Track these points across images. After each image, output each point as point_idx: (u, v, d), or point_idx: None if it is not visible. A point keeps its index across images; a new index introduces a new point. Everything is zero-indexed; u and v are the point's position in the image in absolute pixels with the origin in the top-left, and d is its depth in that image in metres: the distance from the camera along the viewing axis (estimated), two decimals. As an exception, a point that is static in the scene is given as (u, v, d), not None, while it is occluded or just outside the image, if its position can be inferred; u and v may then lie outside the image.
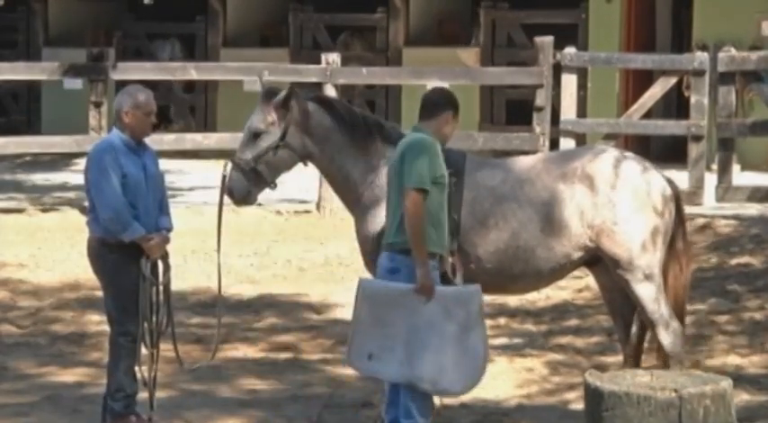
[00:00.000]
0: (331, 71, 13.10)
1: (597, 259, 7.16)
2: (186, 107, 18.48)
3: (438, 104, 6.68)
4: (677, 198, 7.28)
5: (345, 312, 9.85)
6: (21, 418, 7.50)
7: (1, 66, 13.95)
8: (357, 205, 7.14)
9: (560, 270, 7.16)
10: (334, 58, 13.28)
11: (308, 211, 12.84)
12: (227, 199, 7.15)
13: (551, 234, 6.99)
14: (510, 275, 7.04)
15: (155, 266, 7.02)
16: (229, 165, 7.07)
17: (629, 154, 7.44)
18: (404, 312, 6.45)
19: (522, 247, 6.99)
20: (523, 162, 7.34)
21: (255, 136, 7.11)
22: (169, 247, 7.08)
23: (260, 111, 7.16)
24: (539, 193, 7.04)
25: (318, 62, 13.32)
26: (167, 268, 7.08)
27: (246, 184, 7.05)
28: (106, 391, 7.11)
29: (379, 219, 6.95)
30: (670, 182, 7.32)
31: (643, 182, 7.15)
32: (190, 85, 18.15)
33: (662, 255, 7.13)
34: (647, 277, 7.07)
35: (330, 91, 13.08)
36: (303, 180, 13.51)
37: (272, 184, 7.16)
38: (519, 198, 7.04)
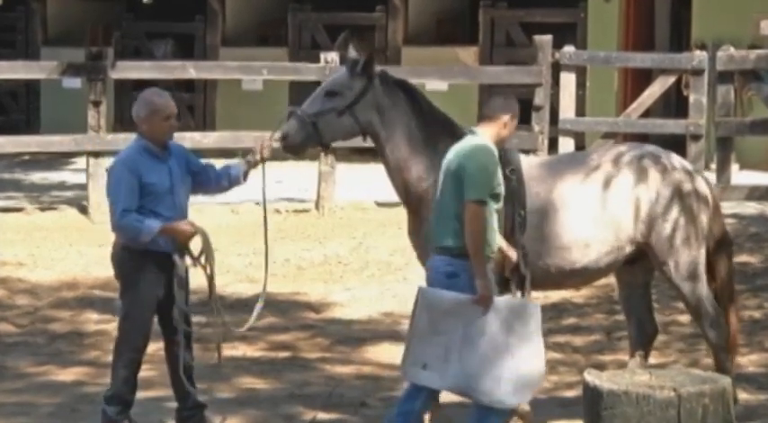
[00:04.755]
0: (330, 70, 13.09)
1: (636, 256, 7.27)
2: (185, 106, 18.48)
3: (497, 108, 6.72)
4: (713, 195, 7.42)
5: (344, 312, 9.87)
6: (19, 417, 7.50)
7: (1, 65, 13.93)
8: (420, 202, 7.09)
9: (614, 264, 7.23)
10: (332, 56, 13.28)
11: (306, 210, 12.83)
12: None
13: (606, 228, 7.09)
14: (569, 271, 7.12)
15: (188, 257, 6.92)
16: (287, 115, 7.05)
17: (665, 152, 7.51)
18: (460, 322, 6.44)
19: (582, 242, 7.06)
20: (577, 157, 7.52)
21: (328, 94, 7.07)
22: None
23: (343, 73, 7.13)
24: (593, 187, 7.15)
25: (317, 61, 13.32)
26: (206, 251, 6.96)
27: (302, 134, 6.98)
28: (106, 389, 7.11)
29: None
30: (706, 181, 7.48)
31: (687, 180, 7.28)
32: (189, 85, 18.15)
33: (704, 250, 7.26)
34: (691, 274, 7.18)
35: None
36: (302, 179, 13.55)
37: (326, 147, 7.15)
38: (575, 193, 7.11)
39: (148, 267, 6.86)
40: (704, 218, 7.30)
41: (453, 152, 6.66)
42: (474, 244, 6.46)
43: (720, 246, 7.43)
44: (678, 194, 7.21)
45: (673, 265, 7.20)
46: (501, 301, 6.54)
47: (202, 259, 6.97)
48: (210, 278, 7.01)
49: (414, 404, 6.60)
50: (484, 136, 6.68)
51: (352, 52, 7.21)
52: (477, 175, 6.49)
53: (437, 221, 6.63)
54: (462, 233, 6.49)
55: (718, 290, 7.42)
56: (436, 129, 7.10)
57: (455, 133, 7.01)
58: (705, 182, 7.44)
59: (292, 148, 7.05)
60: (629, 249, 7.19)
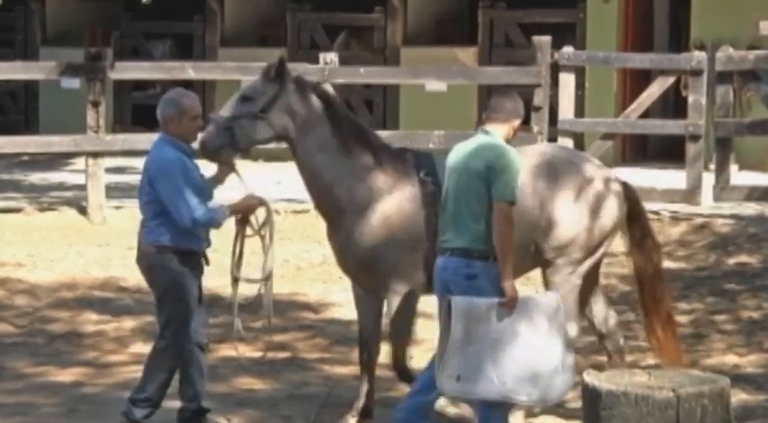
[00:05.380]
0: (329, 71, 13.10)
1: None
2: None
3: (509, 113, 6.71)
4: (632, 198, 7.48)
5: (343, 312, 9.86)
6: (19, 417, 7.50)
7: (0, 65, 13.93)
8: (332, 208, 7.15)
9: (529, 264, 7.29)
10: (331, 57, 13.27)
11: (305, 211, 12.82)
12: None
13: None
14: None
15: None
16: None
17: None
18: (490, 327, 6.41)
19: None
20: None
21: (242, 99, 7.15)
22: None
23: (258, 78, 7.21)
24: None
25: (316, 62, 13.32)
26: (268, 222, 7.13)
27: (218, 140, 7.01)
28: (133, 391, 7.05)
29: (364, 227, 7.00)
30: (623, 184, 7.51)
31: (595, 182, 7.32)
32: (187, 85, 18.14)
33: (599, 254, 7.37)
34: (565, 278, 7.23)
35: (328, 90, 13.07)
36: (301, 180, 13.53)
37: (244, 153, 7.15)
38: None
39: (191, 267, 6.94)
40: (608, 221, 7.25)
41: (470, 151, 6.61)
42: (504, 245, 6.43)
43: (643, 248, 7.40)
44: (583, 196, 7.19)
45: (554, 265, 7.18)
46: (525, 299, 6.50)
47: (263, 231, 7.12)
48: (268, 249, 7.14)
49: (427, 396, 6.62)
50: (497, 136, 6.66)
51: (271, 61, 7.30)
52: (508, 175, 6.49)
53: (453, 223, 6.57)
54: (484, 234, 6.46)
55: (642, 291, 7.41)
56: (350, 135, 7.16)
57: (369, 140, 7.17)
58: (621, 184, 7.40)
59: (210, 155, 7.07)
60: (532, 248, 7.18)
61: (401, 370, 7.35)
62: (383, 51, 17.35)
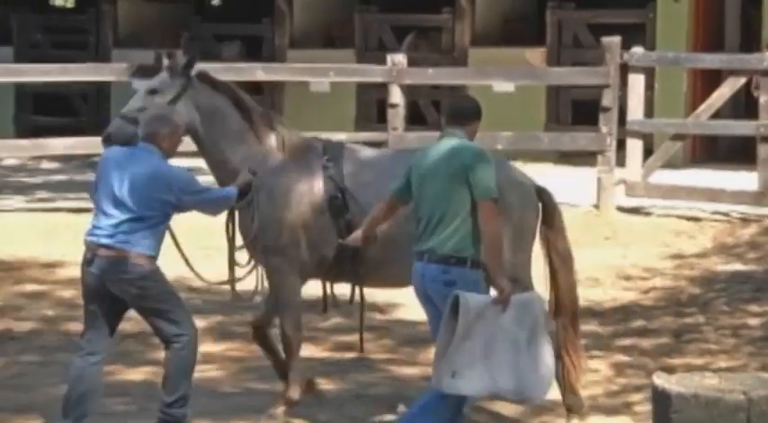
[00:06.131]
0: (396, 72, 13.11)
1: None
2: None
3: (474, 114, 6.72)
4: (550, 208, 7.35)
5: (410, 313, 9.84)
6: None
7: (71, 67, 14.08)
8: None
9: None
10: (399, 58, 13.29)
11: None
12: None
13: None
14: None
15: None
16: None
17: None
18: (484, 324, 6.41)
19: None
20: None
21: (149, 92, 7.34)
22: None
23: (162, 73, 7.41)
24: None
25: (384, 63, 13.33)
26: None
27: (124, 132, 7.17)
28: (166, 394, 7.06)
29: (266, 208, 7.20)
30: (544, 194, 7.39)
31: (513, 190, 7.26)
32: (257, 86, 18.23)
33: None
34: None
35: (395, 91, 13.10)
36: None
37: None
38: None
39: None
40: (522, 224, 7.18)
41: (443, 155, 6.56)
42: (494, 243, 6.43)
43: (557, 251, 7.29)
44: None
45: None
46: (512, 297, 6.49)
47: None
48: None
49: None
50: (464, 137, 6.65)
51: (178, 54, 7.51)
52: (487, 173, 6.48)
53: (434, 228, 6.51)
54: (468, 237, 6.44)
55: (556, 302, 7.30)
56: (255, 123, 7.38)
57: (276, 128, 7.40)
58: (535, 190, 7.30)
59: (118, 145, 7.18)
60: None
61: (262, 342, 7.62)
62: (451, 52, 17.33)
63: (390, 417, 7.54)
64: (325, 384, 8.20)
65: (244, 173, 7.28)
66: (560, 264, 7.28)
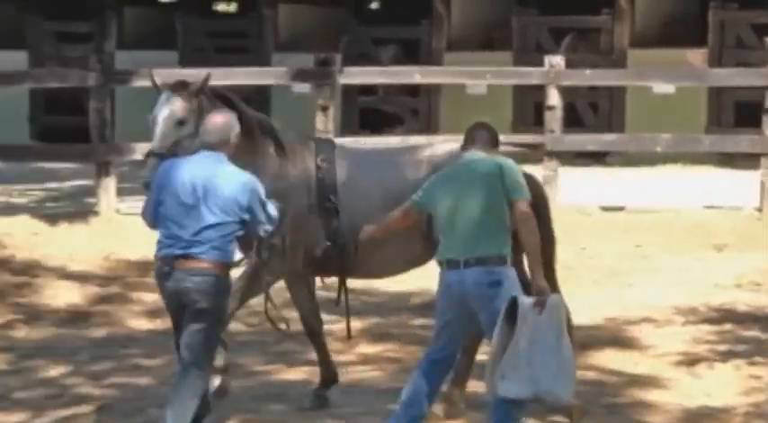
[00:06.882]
0: (554, 74, 13.04)
1: None
2: (409, 110, 18.68)
3: (493, 140, 6.89)
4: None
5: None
6: (249, 414, 7.69)
7: (234, 71, 14.35)
8: None
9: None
10: (557, 60, 13.22)
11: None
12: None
13: None
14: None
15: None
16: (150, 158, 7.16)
17: None
18: (526, 326, 6.46)
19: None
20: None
21: (179, 123, 7.22)
22: None
23: (178, 100, 7.25)
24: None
25: (541, 65, 13.28)
26: None
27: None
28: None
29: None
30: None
31: None
32: (414, 89, 18.32)
33: None
34: None
35: (553, 93, 13.04)
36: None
37: None
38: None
39: None
40: None
41: (473, 161, 6.72)
42: (535, 241, 6.50)
43: (543, 241, 7.11)
44: None
45: None
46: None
47: None
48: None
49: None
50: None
51: (157, 81, 7.34)
52: (518, 175, 6.66)
53: (471, 234, 6.56)
54: (501, 240, 6.53)
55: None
56: (254, 129, 7.39)
57: (272, 131, 7.49)
58: (528, 180, 7.19)
59: None
60: None
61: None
62: (610, 54, 17.17)
63: (547, 419, 7.49)
64: (481, 387, 8.20)
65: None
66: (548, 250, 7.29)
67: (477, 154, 6.81)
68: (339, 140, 8.66)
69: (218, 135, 6.87)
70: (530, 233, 6.52)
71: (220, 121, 6.93)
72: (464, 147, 6.91)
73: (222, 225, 6.74)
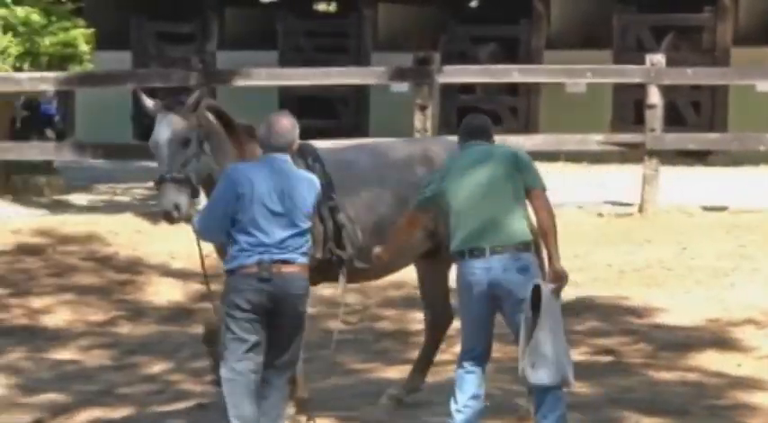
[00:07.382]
0: (655, 72, 12.92)
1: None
2: (508, 109, 18.63)
3: (491, 130, 6.97)
4: None
5: (667, 317, 9.71)
6: (345, 412, 7.72)
7: (333, 70, 14.43)
8: None
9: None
10: (658, 58, 13.09)
11: (629, 214, 12.70)
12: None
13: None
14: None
15: None
16: (165, 185, 6.90)
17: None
18: (548, 313, 6.53)
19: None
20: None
21: (184, 144, 6.97)
22: None
23: (177, 119, 6.99)
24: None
25: (642, 63, 13.16)
26: None
27: (185, 197, 6.91)
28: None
29: None
30: None
31: None
32: (512, 88, 18.28)
33: None
34: None
35: (654, 92, 12.92)
36: (626, 182, 13.41)
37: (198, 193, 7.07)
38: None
39: None
40: None
41: (485, 151, 6.77)
42: (552, 229, 6.57)
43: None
44: None
45: None
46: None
47: None
48: None
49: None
50: None
51: (148, 103, 7.08)
52: (533, 165, 6.73)
53: (492, 222, 6.59)
54: (524, 226, 6.60)
55: None
56: (241, 135, 7.27)
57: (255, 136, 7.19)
58: None
59: (188, 216, 6.92)
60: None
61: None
62: (712, 52, 16.96)
63: (647, 421, 7.45)
64: (580, 387, 8.17)
65: None
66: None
67: (482, 145, 6.83)
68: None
69: (288, 138, 6.80)
70: (549, 218, 6.60)
71: (288, 123, 6.83)
72: (464, 138, 6.90)
73: (307, 231, 6.80)
